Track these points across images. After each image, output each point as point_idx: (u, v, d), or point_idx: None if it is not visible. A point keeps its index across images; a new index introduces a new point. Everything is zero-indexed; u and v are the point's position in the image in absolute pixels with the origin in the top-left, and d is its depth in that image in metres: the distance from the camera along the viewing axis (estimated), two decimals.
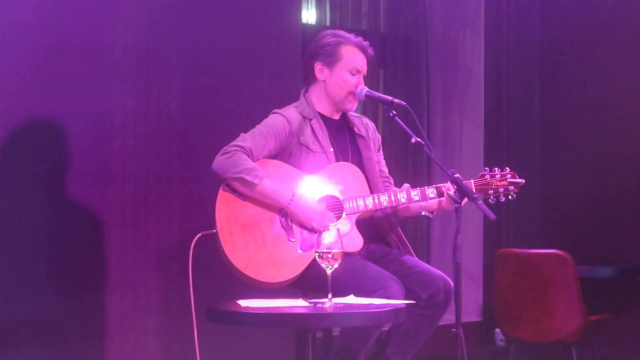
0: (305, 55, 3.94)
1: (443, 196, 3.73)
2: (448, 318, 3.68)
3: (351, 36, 3.89)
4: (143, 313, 4.59)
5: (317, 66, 3.86)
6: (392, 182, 4.03)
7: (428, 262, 4.75)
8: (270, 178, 3.68)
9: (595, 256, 5.93)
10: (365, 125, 3.99)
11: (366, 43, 3.90)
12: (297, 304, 3.36)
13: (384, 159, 4.06)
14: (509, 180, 3.77)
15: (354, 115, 4.00)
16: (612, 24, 6.04)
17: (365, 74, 3.90)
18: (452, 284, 3.67)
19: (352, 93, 3.85)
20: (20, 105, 4.25)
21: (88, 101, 4.42)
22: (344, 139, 3.90)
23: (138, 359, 4.58)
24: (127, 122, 4.54)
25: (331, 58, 3.84)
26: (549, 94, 6.34)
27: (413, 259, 3.84)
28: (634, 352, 5.76)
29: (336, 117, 3.93)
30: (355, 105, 3.90)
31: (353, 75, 3.84)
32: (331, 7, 6.10)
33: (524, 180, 3.78)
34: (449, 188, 3.64)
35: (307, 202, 3.68)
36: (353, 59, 3.84)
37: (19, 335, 4.20)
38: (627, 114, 5.95)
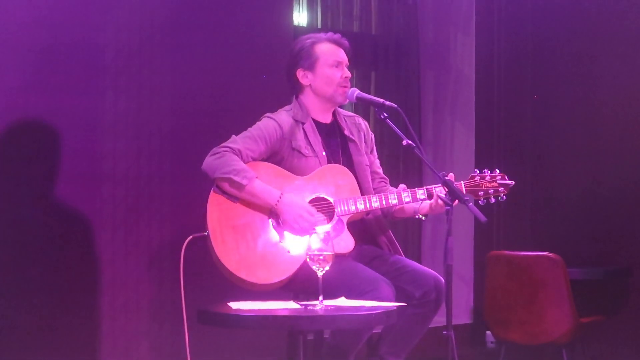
0: (286, 67, 3.93)
1: (433, 198, 3.73)
2: (439, 320, 3.68)
3: (322, 34, 3.91)
4: (134, 315, 4.58)
5: (300, 73, 3.87)
6: (388, 182, 4.03)
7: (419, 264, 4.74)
8: (261, 180, 3.68)
9: (586, 258, 5.94)
10: (357, 126, 3.99)
11: (337, 35, 3.91)
12: (288, 306, 3.36)
13: (378, 159, 4.07)
14: (498, 181, 3.78)
15: (346, 115, 4.00)
16: (604, 25, 6.05)
17: (348, 64, 3.90)
18: (443, 281, 3.67)
19: (340, 86, 3.85)
20: (11, 105, 4.24)
21: (79, 101, 4.42)
22: (335, 143, 3.91)
23: None
24: (118, 122, 4.54)
25: (310, 60, 3.85)
26: (541, 96, 6.35)
27: (404, 259, 3.86)
28: (624, 354, 5.77)
29: (328, 120, 3.93)
30: (347, 98, 3.89)
31: (336, 68, 3.85)
32: (322, 9, 6.10)
33: (513, 182, 3.79)
34: (441, 190, 3.65)
35: (295, 202, 3.68)
36: (330, 53, 3.86)
37: (9, 335, 4.19)
38: (619, 117, 5.96)
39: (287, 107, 3.91)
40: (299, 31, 5.61)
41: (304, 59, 3.85)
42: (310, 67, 3.85)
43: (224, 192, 3.68)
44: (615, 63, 5.98)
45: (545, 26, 6.35)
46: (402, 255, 3.91)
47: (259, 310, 3.26)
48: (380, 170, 4.03)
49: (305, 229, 3.63)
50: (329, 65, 3.85)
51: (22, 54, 4.25)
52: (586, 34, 6.14)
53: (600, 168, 6.01)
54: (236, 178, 3.63)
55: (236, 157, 3.68)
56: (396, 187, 3.87)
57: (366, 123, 4.05)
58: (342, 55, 3.89)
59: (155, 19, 4.65)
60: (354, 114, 4.06)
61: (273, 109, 3.92)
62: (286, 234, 3.68)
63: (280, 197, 3.67)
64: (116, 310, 4.52)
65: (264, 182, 3.69)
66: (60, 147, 4.37)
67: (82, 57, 4.43)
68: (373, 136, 4.07)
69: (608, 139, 6.00)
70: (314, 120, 3.88)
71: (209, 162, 3.69)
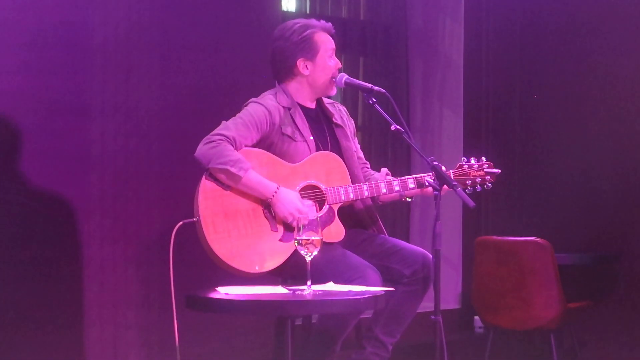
0: (280, 52, 3.86)
1: (423, 187, 3.76)
2: (427, 305, 3.69)
3: (314, 21, 3.90)
4: (122, 303, 4.57)
5: (301, 63, 3.84)
6: (369, 165, 4.05)
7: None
8: (254, 167, 3.67)
9: (574, 243, 5.96)
10: (339, 112, 4.00)
11: (329, 24, 3.91)
12: (277, 290, 3.36)
13: (359, 143, 4.08)
14: (485, 170, 3.84)
15: (327, 102, 4.00)
16: (594, 13, 6.05)
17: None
18: (431, 256, 3.68)
19: (333, 77, 3.86)
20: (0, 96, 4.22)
21: (67, 93, 4.40)
22: (322, 129, 3.91)
23: (117, 350, 4.57)
24: (106, 107, 4.53)
25: (312, 51, 3.83)
26: (529, 82, 6.36)
27: (391, 239, 3.89)
28: (612, 339, 5.80)
29: (312, 105, 3.93)
30: (335, 90, 3.91)
31: (330, 57, 3.86)
32: None
33: (499, 170, 3.84)
34: (431, 177, 3.67)
35: (290, 197, 3.67)
36: (328, 43, 3.87)
37: None
38: (607, 103, 5.97)
39: (271, 91, 3.89)
40: (287, 17, 5.59)
41: (306, 49, 3.83)
42: (312, 57, 3.84)
43: (216, 180, 3.67)
44: (606, 49, 5.98)
45: (534, 12, 6.35)
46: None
47: (247, 295, 3.27)
48: (362, 155, 4.05)
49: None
50: (328, 57, 3.86)
51: (11, 46, 4.23)
52: (576, 19, 6.14)
53: (589, 154, 6.02)
54: (233, 169, 3.60)
55: (231, 146, 3.64)
56: (378, 171, 3.89)
57: (346, 109, 4.06)
58: (334, 44, 3.90)
59: (142, 10, 4.63)
60: (334, 101, 4.06)
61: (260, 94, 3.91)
62: (277, 222, 3.68)
63: (276, 191, 3.66)
64: (104, 299, 4.51)
65: (256, 169, 3.67)
66: (49, 137, 4.35)
67: (70, 49, 4.41)
68: (353, 122, 4.08)
69: (597, 125, 6.01)
70: (299, 105, 3.88)
71: (203, 150, 3.64)
